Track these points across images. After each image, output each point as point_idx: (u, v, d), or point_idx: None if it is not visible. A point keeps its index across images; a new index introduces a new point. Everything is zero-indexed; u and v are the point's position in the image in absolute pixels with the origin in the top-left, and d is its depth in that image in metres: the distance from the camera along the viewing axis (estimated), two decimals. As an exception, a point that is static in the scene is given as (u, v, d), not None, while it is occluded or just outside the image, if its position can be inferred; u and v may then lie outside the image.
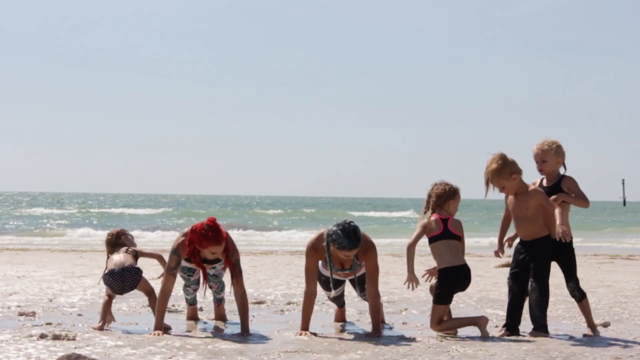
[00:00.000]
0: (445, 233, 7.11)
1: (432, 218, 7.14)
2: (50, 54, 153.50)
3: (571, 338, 6.91)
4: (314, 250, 7.01)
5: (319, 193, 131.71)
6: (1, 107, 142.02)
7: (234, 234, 35.37)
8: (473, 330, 7.29)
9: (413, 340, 6.69)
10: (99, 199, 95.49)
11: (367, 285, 7.06)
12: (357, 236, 6.76)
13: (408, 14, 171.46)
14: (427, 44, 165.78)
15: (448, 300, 7.15)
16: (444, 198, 7.16)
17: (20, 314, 7.94)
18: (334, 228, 6.80)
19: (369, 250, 6.98)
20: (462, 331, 7.28)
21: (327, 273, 7.20)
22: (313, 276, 7.05)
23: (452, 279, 7.08)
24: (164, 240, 28.00)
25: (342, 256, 6.89)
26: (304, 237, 31.32)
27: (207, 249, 6.83)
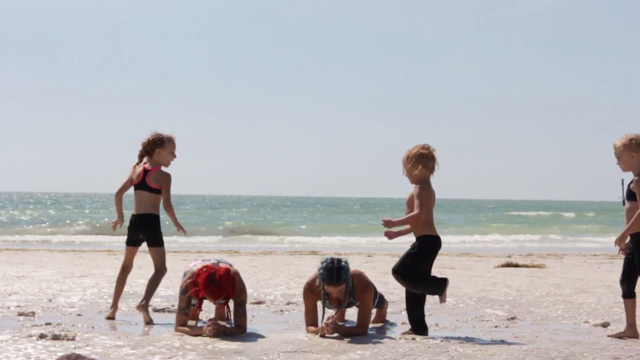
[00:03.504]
0: (141, 184, 7.79)
1: (138, 168, 7.85)
2: (49, 53, 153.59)
3: (571, 338, 6.91)
4: (311, 290, 7.08)
5: (319, 193, 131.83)
6: (1, 107, 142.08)
7: (235, 235, 35.33)
8: (473, 331, 7.29)
9: (413, 340, 6.69)
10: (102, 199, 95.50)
11: (357, 321, 7.08)
12: (338, 273, 6.80)
13: (408, 14, 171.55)
14: (427, 43, 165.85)
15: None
16: (150, 146, 7.84)
17: (20, 314, 7.94)
18: (323, 265, 6.87)
19: (365, 290, 7.06)
20: (462, 331, 7.29)
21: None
22: (312, 317, 7.08)
23: (131, 226, 7.91)
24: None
25: (332, 293, 6.95)
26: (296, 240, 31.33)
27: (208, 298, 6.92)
